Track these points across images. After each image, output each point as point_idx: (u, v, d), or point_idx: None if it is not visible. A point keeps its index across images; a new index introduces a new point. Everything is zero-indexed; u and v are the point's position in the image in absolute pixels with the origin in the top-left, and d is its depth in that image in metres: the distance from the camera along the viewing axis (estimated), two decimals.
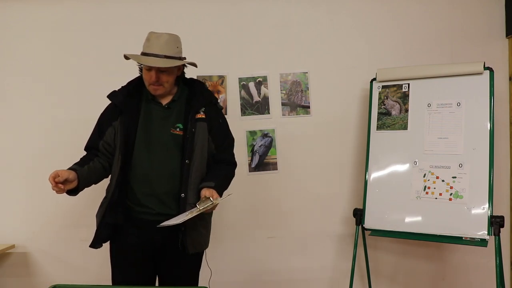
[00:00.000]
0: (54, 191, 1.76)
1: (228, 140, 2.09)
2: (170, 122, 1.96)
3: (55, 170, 1.74)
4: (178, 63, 1.91)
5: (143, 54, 1.91)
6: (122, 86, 2.03)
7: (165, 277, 2.02)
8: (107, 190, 1.99)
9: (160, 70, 1.88)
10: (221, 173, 2.01)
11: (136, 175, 1.93)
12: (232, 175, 2.08)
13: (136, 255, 1.94)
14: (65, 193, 1.81)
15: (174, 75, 1.95)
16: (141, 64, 1.93)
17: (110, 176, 2.01)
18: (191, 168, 1.91)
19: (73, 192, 1.85)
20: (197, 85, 2.08)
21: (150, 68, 1.88)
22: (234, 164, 2.10)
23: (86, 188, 1.93)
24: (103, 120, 2.00)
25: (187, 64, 2.02)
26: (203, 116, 1.97)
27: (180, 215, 1.83)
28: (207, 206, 1.79)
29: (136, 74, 2.04)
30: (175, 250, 1.93)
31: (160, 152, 1.93)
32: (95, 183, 1.99)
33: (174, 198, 1.90)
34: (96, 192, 2.11)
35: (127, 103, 1.95)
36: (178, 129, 1.95)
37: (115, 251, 2.00)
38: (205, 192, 1.85)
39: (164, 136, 1.94)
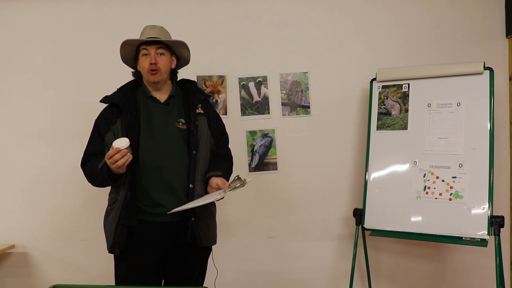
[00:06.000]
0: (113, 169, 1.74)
1: (225, 135, 2.16)
2: (172, 117, 1.98)
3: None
4: (175, 40, 2.00)
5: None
6: (115, 91, 2.03)
7: (173, 277, 1.99)
8: (114, 194, 1.93)
9: (158, 53, 1.94)
10: (224, 165, 2.06)
11: (148, 171, 1.90)
12: (232, 168, 2.13)
13: (147, 260, 1.91)
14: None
15: (169, 62, 2.00)
16: (135, 70, 2.04)
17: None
18: (198, 159, 1.94)
19: (118, 178, 1.82)
20: (190, 83, 2.13)
21: (147, 53, 1.94)
22: (232, 158, 2.16)
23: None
24: (101, 125, 1.95)
25: (180, 57, 2.07)
26: (202, 111, 2.03)
27: (195, 200, 1.86)
28: (239, 186, 1.78)
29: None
30: (186, 248, 1.93)
31: (168, 145, 1.93)
32: None
33: (183, 190, 1.91)
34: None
35: (126, 101, 1.94)
36: (181, 123, 1.97)
37: (126, 256, 1.91)
38: (216, 180, 1.88)
39: (169, 130, 1.95)
